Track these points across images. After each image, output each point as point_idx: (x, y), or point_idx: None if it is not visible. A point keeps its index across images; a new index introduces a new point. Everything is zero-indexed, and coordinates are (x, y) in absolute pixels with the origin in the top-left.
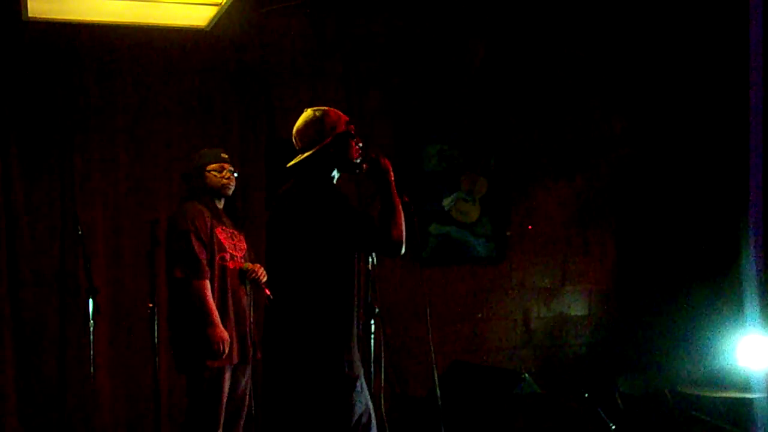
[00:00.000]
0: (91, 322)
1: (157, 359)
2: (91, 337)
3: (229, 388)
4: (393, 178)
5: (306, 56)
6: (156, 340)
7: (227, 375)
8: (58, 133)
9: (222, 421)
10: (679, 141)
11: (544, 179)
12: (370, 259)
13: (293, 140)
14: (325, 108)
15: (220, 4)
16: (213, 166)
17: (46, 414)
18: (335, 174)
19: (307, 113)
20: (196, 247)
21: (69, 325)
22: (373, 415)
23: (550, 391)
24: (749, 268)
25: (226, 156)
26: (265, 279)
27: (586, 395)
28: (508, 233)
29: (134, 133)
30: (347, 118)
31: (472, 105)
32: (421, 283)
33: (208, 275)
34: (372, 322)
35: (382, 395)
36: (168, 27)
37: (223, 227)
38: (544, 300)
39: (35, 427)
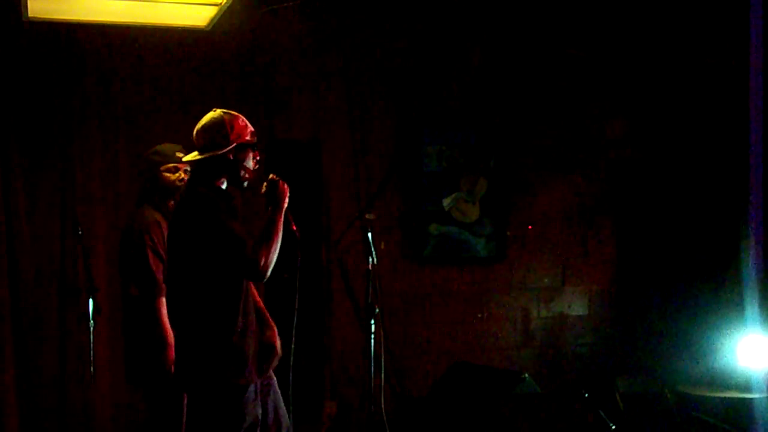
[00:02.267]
0: (91, 322)
1: None
2: (91, 337)
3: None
4: (285, 206)
5: (306, 56)
6: None
7: None
8: (58, 133)
9: None
10: (679, 141)
11: (544, 179)
12: (371, 259)
13: (194, 135)
14: (235, 113)
15: (220, 4)
16: (167, 167)
17: (46, 414)
18: (224, 183)
19: (215, 113)
20: (152, 264)
21: (69, 325)
22: (282, 414)
23: (550, 391)
24: (749, 268)
25: (182, 155)
26: None
27: (586, 395)
28: (508, 233)
29: (134, 133)
30: (253, 129)
31: (472, 105)
32: (421, 283)
33: (164, 293)
34: (372, 322)
35: (382, 395)
36: (168, 27)
37: None
38: (544, 300)
39: (35, 427)
